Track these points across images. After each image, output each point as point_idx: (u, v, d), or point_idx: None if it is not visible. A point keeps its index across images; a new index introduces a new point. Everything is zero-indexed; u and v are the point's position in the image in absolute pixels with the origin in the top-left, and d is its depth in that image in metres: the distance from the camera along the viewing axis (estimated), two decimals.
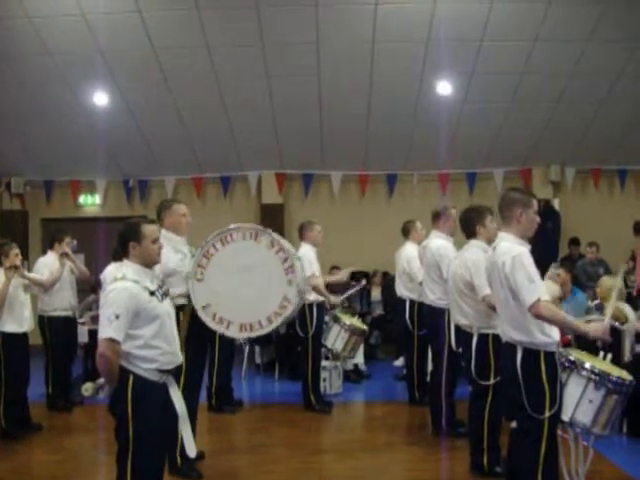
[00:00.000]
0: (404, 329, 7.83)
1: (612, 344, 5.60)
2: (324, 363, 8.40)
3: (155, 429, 3.91)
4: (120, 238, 4.09)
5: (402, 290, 7.90)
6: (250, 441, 6.91)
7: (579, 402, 4.38)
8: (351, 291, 9.46)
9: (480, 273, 5.17)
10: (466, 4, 8.50)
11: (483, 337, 5.42)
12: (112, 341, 3.75)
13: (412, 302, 7.69)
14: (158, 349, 3.93)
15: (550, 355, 4.21)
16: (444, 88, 9.94)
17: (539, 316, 4.07)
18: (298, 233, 7.96)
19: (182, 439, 4.37)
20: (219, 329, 5.60)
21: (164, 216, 5.62)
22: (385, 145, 11.24)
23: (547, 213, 10.97)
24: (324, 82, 9.83)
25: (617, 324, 6.26)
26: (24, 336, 7.05)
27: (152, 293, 3.96)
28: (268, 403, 8.53)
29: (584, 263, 10.41)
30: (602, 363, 4.59)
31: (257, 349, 10.18)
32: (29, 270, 8.06)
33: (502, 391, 4.75)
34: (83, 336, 8.54)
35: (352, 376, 9.38)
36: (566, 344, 5.80)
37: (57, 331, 7.83)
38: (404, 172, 11.98)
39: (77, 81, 9.71)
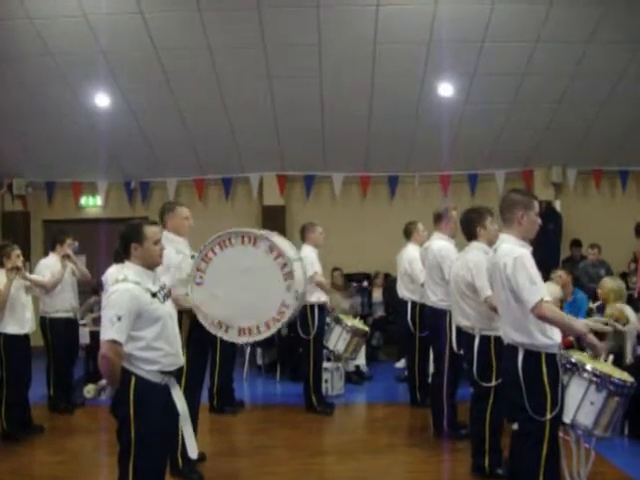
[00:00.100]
0: (406, 331, 7.82)
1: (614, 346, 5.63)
2: (326, 364, 8.40)
3: (157, 431, 3.91)
4: (122, 239, 4.09)
5: (404, 292, 7.89)
6: (251, 442, 6.90)
7: (580, 404, 4.37)
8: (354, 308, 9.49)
9: (481, 274, 5.16)
10: (467, 5, 8.50)
11: (485, 339, 5.42)
12: (114, 343, 3.75)
13: (414, 304, 7.68)
14: (160, 351, 3.93)
15: (551, 357, 4.21)
16: (446, 89, 9.95)
17: (542, 317, 4.07)
18: (300, 235, 7.96)
19: (183, 440, 4.38)
20: (218, 333, 5.62)
21: (167, 218, 5.63)
22: (387, 146, 11.24)
23: (548, 215, 10.96)
24: (326, 83, 9.84)
25: (619, 326, 6.27)
26: (25, 337, 7.05)
27: (154, 295, 3.96)
28: (269, 404, 8.53)
29: (585, 264, 10.40)
30: (604, 365, 4.58)
31: (259, 350, 10.18)
32: (31, 271, 8.07)
33: (503, 393, 4.74)
34: (84, 338, 8.54)
35: (354, 377, 9.38)
36: (568, 346, 5.80)
37: (59, 333, 7.83)
38: (406, 173, 11.98)
39: (78, 82, 9.71)
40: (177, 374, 4.18)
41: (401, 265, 7.94)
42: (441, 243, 6.77)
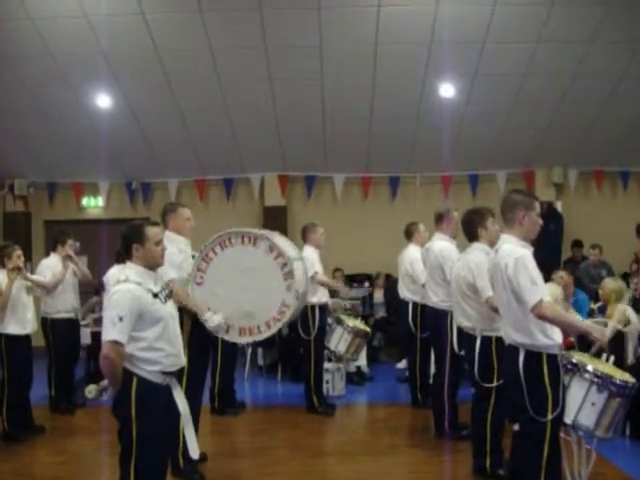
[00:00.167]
0: (407, 331, 7.82)
1: (615, 346, 5.62)
2: (327, 365, 8.40)
3: (158, 431, 3.91)
4: (123, 240, 4.09)
5: (405, 292, 7.89)
6: (252, 443, 6.90)
7: (582, 405, 4.37)
8: (360, 290, 9.40)
9: (483, 275, 5.16)
10: (469, 6, 8.49)
11: (486, 339, 5.42)
12: (116, 343, 3.75)
13: (415, 304, 7.68)
14: (161, 351, 3.94)
15: (552, 358, 4.21)
16: (447, 90, 9.94)
17: (542, 317, 4.07)
18: (301, 235, 7.96)
19: (185, 441, 4.38)
20: (219, 333, 5.63)
21: (169, 219, 5.63)
22: (388, 147, 11.24)
23: (550, 215, 10.96)
24: (327, 84, 9.83)
25: (620, 326, 6.27)
26: (27, 338, 7.06)
27: (155, 295, 3.96)
28: (270, 405, 8.53)
29: (587, 265, 10.39)
30: (605, 366, 4.58)
31: (260, 351, 10.18)
32: (32, 272, 8.09)
33: (505, 394, 4.75)
34: (86, 338, 8.55)
35: (355, 378, 9.38)
36: (569, 347, 5.79)
37: (60, 333, 7.84)
38: (407, 174, 11.98)
39: (80, 83, 9.72)
40: (178, 375, 4.19)
41: (402, 266, 7.94)
42: (442, 244, 6.78)
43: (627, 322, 6.38)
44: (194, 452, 4.33)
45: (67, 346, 7.96)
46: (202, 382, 5.85)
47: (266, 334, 5.73)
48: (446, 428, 6.56)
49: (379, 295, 11.59)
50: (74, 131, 10.66)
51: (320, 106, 10.32)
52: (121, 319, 3.75)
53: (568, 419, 4.36)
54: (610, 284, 6.89)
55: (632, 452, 6.32)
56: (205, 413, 6.59)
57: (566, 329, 4.35)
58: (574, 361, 4.47)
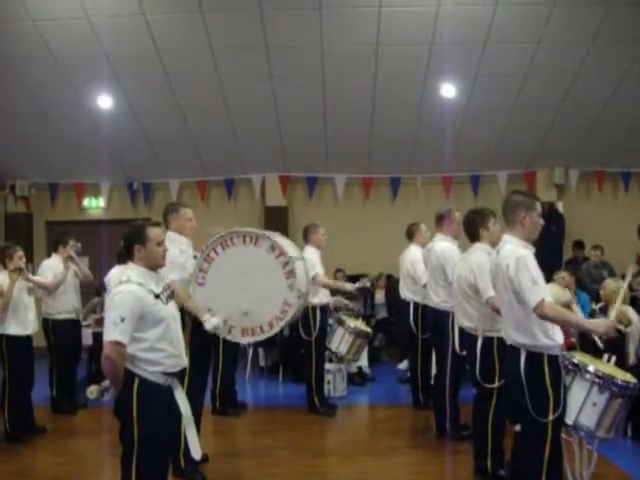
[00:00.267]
0: (408, 332, 7.82)
1: (616, 347, 5.61)
2: (328, 366, 8.39)
3: (160, 432, 3.91)
4: (125, 241, 4.09)
5: (406, 293, 7.89)
6: (254, 444, 6.91)
7: (583, 405, 4.37)
8: (364, 282, 9.33)
9: (484, 276, 5.16)
10: (470, 6, 8.49)
11: (488, 340, 5.42)
12: (117, 344, 3.75)
13: (416, 305, 7.68)
14: (163, 352, 3.94)
15: (554, 358, 4.21)
16: (448, 91, 9.94)
17: (544, 316, 4.08)
18: (302, 236, 7.96)
19: (186, 441, 4.38)
20: (221, 333, 5.62)
21: (170, 219, 5.63)
22: (389, 148, 11.24)
23: (551, 216, 10.95)
24: (328, 85, 9.84)
25: (621, 327, 6.26)
26: (28, 339, 7.07)
27: (157, 296, 3.96)
28: (272, 406, 8.53)
29: (588, 266, 10.39)
30: (606, 366, 4.58)
31: (261, 352, 10.18)
32: (33, 273, 8.10)
33: (506, 394, 4.75)
34: (87, 339, 8.56)
35: (356, 379, 9.38)
36: (570, 347, 5.80)
37: (61, 334, 7.85)
38: (408, 175, 11.98)
39: (81, 84, 9.73)
40: (180, 375, 4.19)
41: (403, 266, 7.93)
42: (444, 244, 6.78)
43: (628, 323, 6.38)
44: (196, 453, 4.33)
45: (68, 347, 7.96)
46: (204, 383, 5.85)
47: (268, 333, 5.73)
48: (447, 429, 6.56)
49: (380, 296, 11.59)
50: (75, 132, 10.67)
51: (321, 107, 10.32)
52: (123, 320, 3.75)
53: (569, 419, 4.36)
54: (611, 285, 6.88)
55: (634, 453, 6.31)
56: (206, 414, 6.59)
57: (568, 328, 4.35)
58: (575, 361, 4.47)
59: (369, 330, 8.56)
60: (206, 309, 5.49)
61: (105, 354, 3.77)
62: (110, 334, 3.77)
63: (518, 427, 4.34)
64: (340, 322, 8.18)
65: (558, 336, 4.23)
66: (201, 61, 9.30)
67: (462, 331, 5.87)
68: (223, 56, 9.24)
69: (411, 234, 8.05)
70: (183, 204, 5.98)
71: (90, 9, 8.44)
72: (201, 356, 5.62)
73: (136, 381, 3.87)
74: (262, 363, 10.24)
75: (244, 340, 5.86)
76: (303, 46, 9.12)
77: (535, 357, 4.19)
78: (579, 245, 11.40)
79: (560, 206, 11.84)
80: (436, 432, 6.74)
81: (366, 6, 8.54)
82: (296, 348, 9.15)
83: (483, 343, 5.45)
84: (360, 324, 8.49)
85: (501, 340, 4.77)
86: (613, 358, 4.71)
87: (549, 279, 6.51)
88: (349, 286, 8.06)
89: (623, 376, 4.53)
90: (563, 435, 4.43)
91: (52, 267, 7.80)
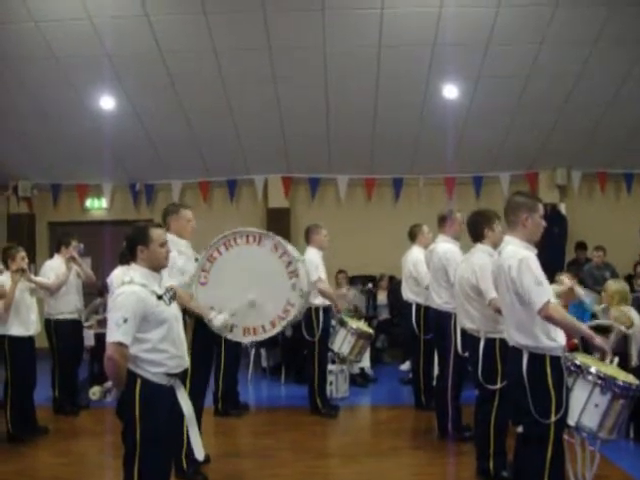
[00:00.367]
0: (410, 333, 7.82)
1: (619, 348, 5.61)
2: (330, 367, 8.40)
3: (162, 432, 3.92)
4: (128, 242, 4.10)
5: (408, 294, 7.89)
6: (256, 445, 6.91)
7: (585, 406, 4.37)
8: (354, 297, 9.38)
9: (486, 277, 5.16)
10: (472, 8, 8.48)
11: (490, 341, 5.41)
12: (120, 345, 3.76)
13: (418, 306, 7.69)
14: (166, 353, 3.94)
15: (556, 359, 4.21)
16: (450, 92, 9.94)
17: (549, 318, 4.07)
18: (304, 237, 7.97)
19: (188, 442, 4.38)
20: (224, 332, 5.63)
21: (170, 220, 5.63)
22: (391, 149, 11.24)
23: (553, 217, 10.95)
24: (330, 86, 9.84)
25: (623, 328, 6.26)
26: (30, 339, 7.07)
27: (159, 297, 3.97)
28: (274, 407, 8.53)
29: (590, 267, 10.38)
30: (608, 367, 4.58)
31: (263, 353, 10.19)
32: (36, 274, 8.09)
33: (508, 395, 4.74)
34: (89, 339, 8.56)
35: (358, 380, 9.38)
36: (573, 348, 5.79)
37: (64, 335, 7.85)
38: (410, 176, 11.97)
39: (84, 85, 9.74)
40: (182, 376, 4.19)
41: (406, 267, 7.94)
42: (446, 246, 6.77)
43: (631, 324, 6.37)
44: (199, 453, 4.33)
45: (71, 347, 7.97)
46: (205, 384, 5.85)
47: (270, 333, 5.73)
48: (449, 430, 6.56)
49: (382, 297, 11.59)
50: (78, 133, 10.68)
51: (324, 108, 10.33)
52: (125, 321, 3.76)
53: (571, 420, 4.36)
54: (613, 286, 6.88)
55: (636, 454, 6.30)
56: (208, 415, 6.60)
57: (571, 332, 4.34)
58: (577, 363, 4.47)
59: (371, 331, 8.55)
60: (209, 308, 5.50)
61: (108, 355, 3.77)
62: (113, 335, 3.77)
63: (520, 428, 4.34)
64: (342, 323, 8.17)
65: (560, 337, 4.23)
66: (204, 62, 9.30)
67: (464, 332, 5.87)
68: (226, 57, 9.25)
69: (413, 235, 8.06)
70: (183, 205, 5.97)
71: (92, 10, 8.44)
72: (203, 357, 5.63)
73: (139, 382, 3.88)
74: (264, 364, 10.24)
75: (246, 339, 5.85)
76: (306, 47, 9.12)
77: (537, 358, 4.19)
78: (581, 246, 11.39)
79: (562, 207, 11.83)
80: (438, 433, 6.73)
81: (369, 7, 8.54)
82: (299, 349, 9.15)
83: (485, 344, 5.45)
84: (362, 325, 8.48)
85: (503, 341, 4.77)
86: (615, 359, 4.71)
87: (551, 280, 6.50)
88: (341, 305, 8.06)
89: (625, 377, 4.52)
90: (565, 436, 4.43)
91: (54, 268, 7.81)
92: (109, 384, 8.18)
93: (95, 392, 8.54)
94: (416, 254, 7.79)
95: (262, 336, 5.75)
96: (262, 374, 10.18)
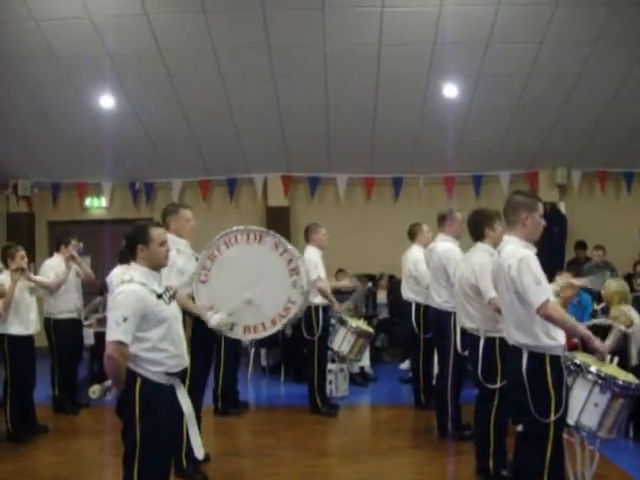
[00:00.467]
0: (410, 332, 7.82)
1: (618, 348, 5.61)
2: (330, 366, 8.40)
3: (162, 431, 3.92)
4: (128, 241, 4.10)
5: (408, 293, 7.89)
6: (256, 444, 6.91)
7: (585, 406, 4.37)
8: (354, 296, 9.37)
9: (486, 276, 5.16)
10: (472, 7, 8.48)
11: (490, 340, 5.41)
12: (120, 343, 3.76)
13: (418, 305, 7.68)
14: (165, 352, 3.94)
15: (556, 359, 4.21)
16: (450, 91, 9.93)
17: (548, 317, 4.07)
18: (304, 235, 7.97)
19: (188, 441, 4.38)
20: (223, 330, 5.62)
21: (169, 220, 5.63)
22: (391, 148, 11.24)
23: (553, 217, 10.94)
24: (330, 85, 9.83)
25: (623, 327, 6.26)
26: (30, 338, 7.07)
27: (159, 296, 3.97)
28: (274, 406, 8.53)
29: (590, 266, 10.37)
30: (608, 367, 4.58)
31: (263, 352, 10.19)
32: (35, 272, 8.09)
33: (508, 395, 4.74)
34: (89, 338, 8.56)
35: (358, 379, 9.38)
36: (572, 347, 5.79)
37: (63, 333, 7.85)
38: (410, 175, 11.97)
39: (83, 84, 9.73)
40: (182, 375, 4.19)
41: (405, 267, 7.94)
42: (446, 245, 6.77)
43: (630, 323, 6.37)
44: (199, 452, 4.34)
45: (70, 346, 7.97)
46: (205, 383, 5.84)
47: (271, 331, 5.72)
48: (449, 429, 6.56)
49: (382, 296, 11.59)
50: (77, 132, 10.67)
51: (324, 107, 10.32)
52: (125, 319, 3.76)
53: (571, 420, 4.36)
54: (613, 285, 6.88)
55: (636, 453, 6.31)
56: (208, 414, 6.60)
57: (569, 332, 4.34)
58: (577, 362, 4.47)
59: (371, 330, 8.55)
60: (207, 308, 5.50)
61: (108, 354, 3.77)
62: (113, 334, 3.77)
63: (520, 427, 4.34)
64: (342, 322, 8.17)
65: (560, 336, 4.23)
66: (204, 61, 9.30)
67: (464, 331, 5.87)
68: (226, 56, 9.25)
69: (413, 234, 8.05)
70: (183, 205, 5.98)
71: (92, 9, 8.44)
72: (202, 356, 5.63)
73: (138, 381, 3.88)
74: (264, 363, 10.24)
75: (246, 337, 5.84)
76: (306, 46, 9.12)
77: (537, 357, 4.19)
78: (581, 245, 11.39)
79: (562, 206, 11.83)
80: (438, 432, 6.74)
81: (369, 6, 8.54)
82: (298, 348, 9.15)
83: (485, 344, 5.45)
84: (362, 324, 8.48)
85: (503, 341, 4.77)
86: (615, 359, 4.71)
87: (551, 280, 6.50)
88: (338, 306, 8.04)
89: (625, 377, 4.52)
90: (565, 435, 4.43)
91: (54, 267, 7.81)
92: (109, 383, 8.18)
93: (95, 391, 8.54)
94: (416, 253, 7.79)
95: (262, 334, 5.74)
96: (262, 373, 10.18)
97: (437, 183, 11.98)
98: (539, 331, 4.16)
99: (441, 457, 6.23)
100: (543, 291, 4.09)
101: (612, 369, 4.56)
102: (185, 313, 5.06)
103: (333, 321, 8.28)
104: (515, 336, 4.29)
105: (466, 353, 5.95)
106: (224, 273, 5.62)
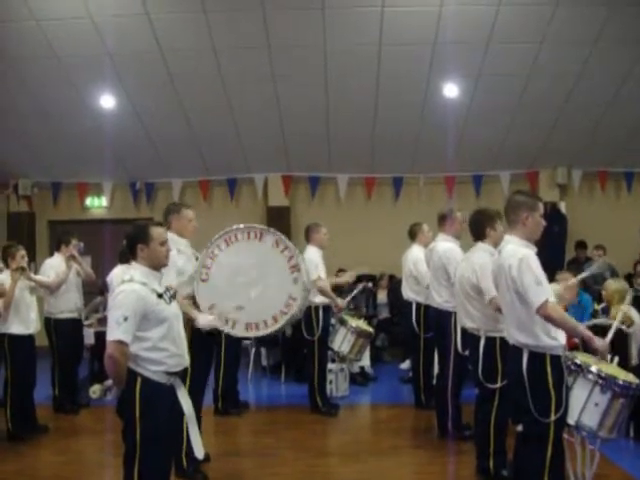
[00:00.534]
0: (410, 332, 7.82)
1: (619, 347, 5.60)
2: (330, 366, 8.40)
3: (162, 431, 3.92)
4: (128, 240, 4.10)
5: (409, 293, 7.89)
6: (256, 443, 6.91)
7: (585, 405, 4.37)
8: (355, 292, 9.34)
9: (487, 275, 5.16)
10: (472, 6, 8.48)
11: (490, 340, 5.41)
12: (120, 343, 3.76)
13: (418, 305, 7.68)
14: (166, 351, 3.95)
15: (556, 358, 4.21)
16: (451, 90, 9.93)
17: (547, 317, 4.07)
18: (304, 235, 7.97)
19: (188, 441, 4.38)
20: (225, 328, 5.62)
21: (171, 219, 5.63)
22: (391, 148, 11.24)
23: (553, 216, 10.94)
24: (330, 85, 9.83)
25: (624, 327, 6.25)
26: (30, 338, 7.08)
27: (160, 295, 3.97)
28: (274, 405, 8.53)
29: (591, 266, 10.36)
30: (609, 366, 4.58)
31: (263, 351, 10.19)
32: (36, 272, 8.09)
33: (508, 395, 4.74)
34: (89, 338, 8.57)
35: (358, 379, 9.38)
36: (573, 347, 5.79)
37: (63, 333, 7.85)
38: (410, 175, 11.97)
39: (84, 84, 9.73)
40: (182, 375, 4.19)
41: (406, 266, 7.94)
42: (446, 245, 6.77)
43: (631, 323, 6.37)
44: (199, 452, 4.33)
45: (70, 346, 7.97)
46: (205, 382, 5.84)
47: (273, 328, 5.72)
48: (449, 429, 6.56)
49: (382, 295, 11.60)
50: (78, 131, 10.67)
51: (324, 106, 10.32)
52: (126, 319, 3.76)
53: (571, 420, 4.36)
54: (613, 285, 6.88)
55: (636, 453, 6.31)
56: (209, 413, 6.60)
57: (569, 332, 4.33)
58: (578, 362, 4.47)
59: (371, 330, 8.56)
60: (210, 305, 5.50)
61: (108, 353, 3.77)
62: (113, 333, 3.77)
63: (520, 427, 4.34)
64: (342, 322, 8.17)
65: (561, 336, 4.23)
66: (204, 61, 9.30)
67: (465, 331, 5.87)
68: (226, 56, 9.25)
69: (413, 234, 8.06)
70: (185, 205, 5.97)
71: (93, 9, 8.44)
72: (203, 355, 5.62)
73: (139, 380, 3.88)
74: (264, 363, 10.24)
75: (248, 334, 5.84)
76: (306, 46, 9.12)
77: (537, 357, 4.19)
78: (581, 245, 11.39)
79: (563, 206, 11.83)
80: (438, 432, 6.74)
81: (369, 6, 8.54)
82: (298, 348, 9.15)
83: (485, 343, 5.45)
84: (362, 324, 8.49)
85: (503, 340, 4.77)
86: (616, 358, 4.71)
87: (551, 279, 6.50)
88: (341, 302, 8.03)
89: (625, 376, 4.52)
90: (565, 435, 4.43)
91: (54, 266, 7.81)
92: (109, 382, 8.19)
93: (95, 390, 8.55)
94: (416, 253, 7.79)
95: (264, 331, 5.74)
96: (262, 373, 10.18)
97: (437, 183, 11.98)
98: (539, 331, 4.16)
99: (441, 457, 6.23)
100: (543, 291, 4.09)
101: (612, 369, 4.56)
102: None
103: (333, 321, 8.28)
104: (516, 336, 4.29)
105: (466, 353, 5.96)
106: (225, 271, 5.63)
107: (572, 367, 4.43)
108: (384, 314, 11.41)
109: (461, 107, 10.16)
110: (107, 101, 10.12)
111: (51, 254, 8.45)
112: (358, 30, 8.86)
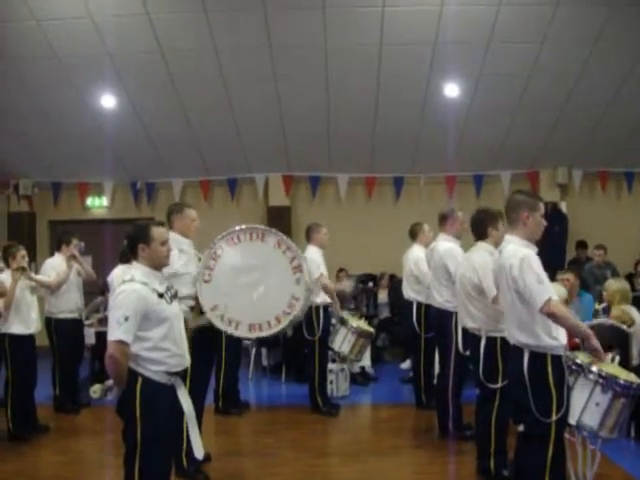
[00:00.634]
0: (411, 332, 7.82)
1: (620, 347, 5.61)
2: (331, 366, 8.40)
3: (163, 431, 3.92)
4: (129, 240, 4.10)
5: (409, 292, 7.89)
6: (256, 443, 6.92)
7: (586, 405, 4.36)
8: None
9: (488, 275, 5.16)
10: (473, 6, 8.48)
11: (491, 340, 5.41)
12: (121, 343, 3.76)
13: (419, 304, 7.68)
14: (167, 351, 3.94)
15: (557, 358, 4.20)
16: (451, 90, 9.93)
17: (551, 315, 4.07)
18: (305, 235, 7.97)
19: (189, 440, 4.38)
20: (228, 329, 5.62)
21: (174, 219, 5.64)
22: (392, 147, 11.24)
23: (554, 216, 10.93)
24: (331, 84, 9.83)
25: (624, 327, 6.26)
26: (31, 338, 7.07)
27: (161, 295, 3.97)
28: (275, 405, 8.54)
29: (591, 266, 10.36)
30: (609, 366, 4.57)
31: (264, 351, 10.19)
32: (36, 272, 8.09)
33: (509, 394, 4.74)
34: (90, 338, 8.57)
35: (359, 379, 9.38)
36: (574, 347, 5.79)
37: (64, 333, 7.85)
38: (411, 175, 11.97)
39: (84, 84, 9.73)
40: (183, 375, 4.19)
41: (407, 266, 7.93)
42: (447, 244, 6.77)
43: (631, 323, 6.37)
44: (199, 452, 4.33)
45: (71, 346, 7.97)
46: (206, 382, 5.85)
47: (276, 328, 5.71)
48: (450, 429, 6.56)
49: (383, 295, 11.59)
50: (78, 131, 10.67)
51: (324, 106, 10.32)
52: (126, 319, 3.76)
53: (572, 419, 4.35)
54: (614, 285, 6.88)
55: (637, 453, 6.30)
56: (209, 413, 6.60)
57: (571, 330, 4.33)
58: (579, 362, 4.46)
59: (372, 330, 8.53)
60: (213, 306, 5.51)
61: (109, 353, 3.77)
62: (114, 333, 3.77)
63: (521, 427, 4.34)
64: (343, 322, 8.16)
65: (562, 336, 4.22)
66: (205, 61, 9.30)
67: (465, 331, 5.87)
68: (227, 56, 9.24)
69: (414, 234, 8.05)
70: (187, 205, 5.98)
71: (94, 9, 8.44)
72: (204, 355, 5.62)
73: (139, 380, 3.88)
74: (265, 363, 10.24)
75: (252, 335, 5.83)
76: (307, 46, 9.12)
77: (538, 357, 4.18)
78: (582, 245, 11.39)
79: (563, 206, 11.83)
80: (439, 432, 6.73)
81: (369, 6, 8.54)
82: (299, 348, 9.15)
83: (486, 343, 5.45)
84: (363, 324, 8.47)
85: (504, 340, 4.76)
86: (617, 358, 4.71)
87: (552, 279, 6.50)
88: (339, 307, 8.04)
89: (626, 376, 4.51)
90: (566, 435, 4.43)
91: (55, 266, 7.81)
92: (110, 382, 8.18)
93: (96, 390, 8.55)
94: (417, 253, 7.79)
95: (268, 332, 5.73)
96: (263, 373, 10.19)
97: (438, 183, 11.97)
98: (540, 331, 4.16)
99: (442, 457, 6.23)
100: (545, 290, 4.09)
101: (613, 368, 4.55)
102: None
103: (334, 321, 8.28)
104: (516, 336, 4.29)
105: (467, 353, 5.95)
106: (227, 272, 5.63)
107: (573, 367, 4.43)
108: (385, 314, 11.40)
109: (462, 107, 10.17)
110: (107, 101, 10.12)
111: (52, 254, 8.45)
112: (359, 30, 8.86)
